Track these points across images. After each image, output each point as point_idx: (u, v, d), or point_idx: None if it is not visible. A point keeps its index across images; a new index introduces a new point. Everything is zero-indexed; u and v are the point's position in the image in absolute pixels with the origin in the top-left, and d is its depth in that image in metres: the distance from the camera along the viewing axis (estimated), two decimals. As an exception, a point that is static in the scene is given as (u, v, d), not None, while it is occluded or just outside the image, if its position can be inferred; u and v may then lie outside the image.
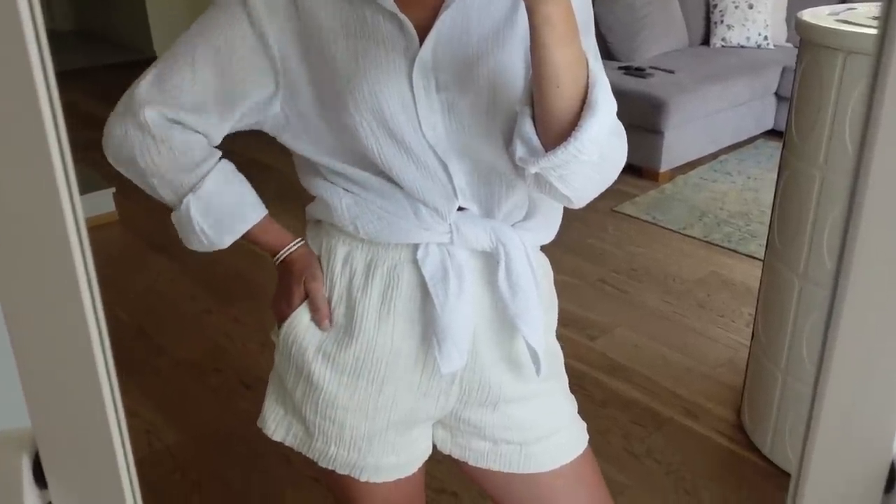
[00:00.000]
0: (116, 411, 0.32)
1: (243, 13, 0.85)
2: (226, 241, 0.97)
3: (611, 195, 3.54)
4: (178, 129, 0.89)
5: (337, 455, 0.99)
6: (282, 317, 0.99)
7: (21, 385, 0.36)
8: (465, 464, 1.05)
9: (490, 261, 0.93)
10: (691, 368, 2.34)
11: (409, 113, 0.86)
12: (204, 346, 2.50)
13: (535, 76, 0.78)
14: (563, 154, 0.77)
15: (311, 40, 0.86)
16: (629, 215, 3.37)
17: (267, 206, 1.01)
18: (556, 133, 0.78)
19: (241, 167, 1.00)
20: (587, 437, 1.08)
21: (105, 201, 3.38)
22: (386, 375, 0.95)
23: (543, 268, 1.04)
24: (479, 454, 1.03)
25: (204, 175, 0.92)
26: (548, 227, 0.99)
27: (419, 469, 1.05)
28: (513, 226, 0.94)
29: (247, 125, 0.93)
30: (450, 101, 0.86)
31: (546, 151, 0.79)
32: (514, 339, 0.98)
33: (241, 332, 2.57)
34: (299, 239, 1.01)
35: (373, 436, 0.98)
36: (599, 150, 0.79)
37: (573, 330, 2.46)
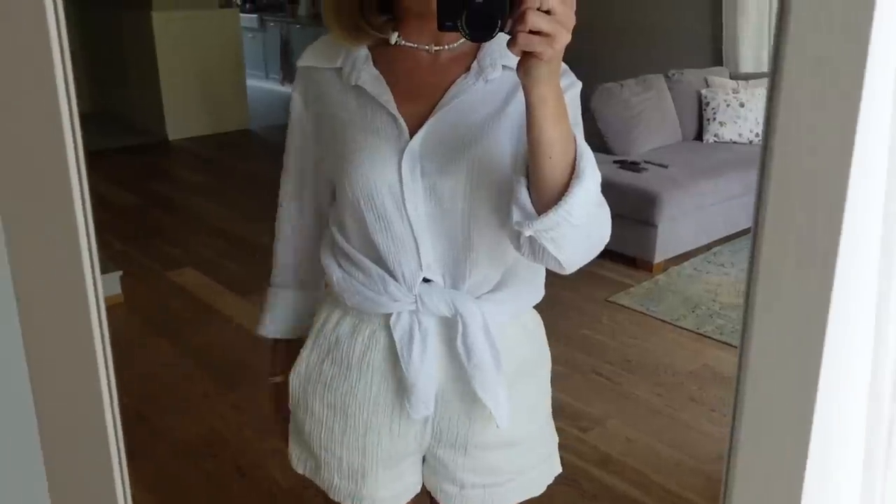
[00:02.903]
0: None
1: (294, 124, 1.12)
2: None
3: (605, 285, 3.61)
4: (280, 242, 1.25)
5: (340, 486, 1.15)
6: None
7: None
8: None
9: (453, 325, 1.05)
10: (682, 463, 2.35)
11: (395, 195, 1.00)
12: (201, 430, 2.53)
13: (530, 150, 0.89)
14: (554, 216, 0.88)
15: (326, 125, 1.05)
16: (623, 306, 3.44)
17: (266, 288, 1.26)
18: (548, 199, 0.90)
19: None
20: (552, 478, 1.23)
21: (112, 284, 3.46)
22: (369, 419, 1.11)
23: (529, 329, 1.15)
24: (448, 496, 1.16)
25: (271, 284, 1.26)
26: (519, 300, 1.11)
27: (412, 501, 1.19)
28: (479, 297, 1.06)
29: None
30: (432, 186, 1.00)
31: (539, 216, 0.90)
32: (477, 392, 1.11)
33: (239, 419, 2.60)
34: (277, 376, 1.27)
35: (366, 470, 1.13)
36: (586, 215, 0.90)
37: (566, 421, 2.48)
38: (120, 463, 0.42)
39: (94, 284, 0.39)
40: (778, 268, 0.41)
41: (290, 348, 1.25)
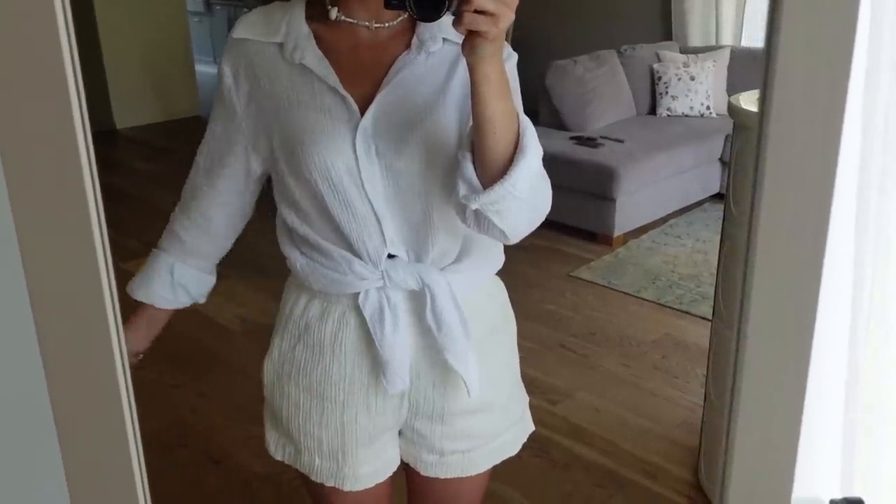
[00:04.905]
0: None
1: (221, 94, 1.06)
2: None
3: (567, 261, 3.66)
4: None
5: (321, 467, 1.16)
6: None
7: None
8: (417, 474, 1.21)
9: (421, 298, 1.07)
10: (649, 430, 2.42)
11: (353, 174, 1.01)
12: (170, 420, 2.51)
13: (475, 126, 0.92)
14: (499, 190, 0.91)
15: (270, 105, 1.03)
16: (586, 280, 3.49)
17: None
18: (493, 174, 0.93)
19: None
20: (525, 438, 1.26)
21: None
22: (346, 399, 1.11)
23: (493, 295, 1.18)
24: (428, 465, 1.19)
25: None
26: (481, 268, 1.14)
27: (389, 477, 1.21)
28: (443, 269, 1.08)
29: (253, 189, 1.16)
30: (388, 164, 1.01)
31: (485, 190, 0.93)
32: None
33: (208, 407, 2.58)
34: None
35: (346, 449, 1.14)
36: (530, 188, 0.93)
37: (535, 395, 2.52)
38: (138, 454, 0.43)
39: (108, 277, 0.39)
40: (773, 239, 0.43)
41: (151, 321, 1.20)
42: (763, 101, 0.41)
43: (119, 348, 0.45)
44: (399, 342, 1.07)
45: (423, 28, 1.02)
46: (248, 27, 1.04)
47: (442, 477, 1.19)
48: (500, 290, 1.20)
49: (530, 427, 1.27)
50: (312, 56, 1.01)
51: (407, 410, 1.15)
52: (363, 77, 1.01)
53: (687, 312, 3.17)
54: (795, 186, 0.44)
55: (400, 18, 1.02)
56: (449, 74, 1.02)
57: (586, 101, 4.28)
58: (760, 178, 0.42)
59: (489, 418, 1.18)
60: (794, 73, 0.43)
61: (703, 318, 3.08)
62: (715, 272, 3.48)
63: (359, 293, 1.07)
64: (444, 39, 1.02)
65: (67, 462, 0.44)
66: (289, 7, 1.03)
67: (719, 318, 1.97)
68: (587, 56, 4.40)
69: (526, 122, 0.95)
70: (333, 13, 1.02)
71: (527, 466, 2.15)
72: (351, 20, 1.02)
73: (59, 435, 0.44)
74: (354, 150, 1.00)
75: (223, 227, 1.18)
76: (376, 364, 1.09)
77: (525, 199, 0.93)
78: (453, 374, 1.11)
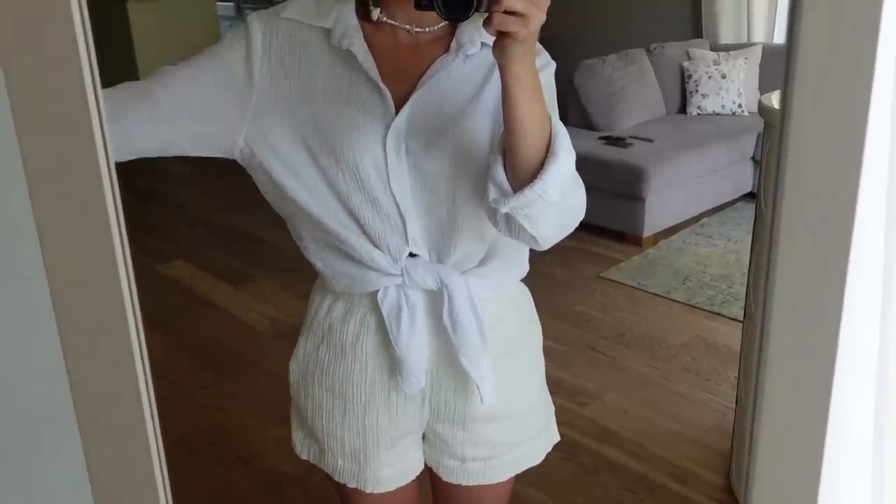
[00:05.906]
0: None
1: (243, 48, 1.00)
2: None
3: (596, 261, 3.64)
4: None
5: (344, 468, 1.17)
6: None
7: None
8: (440, 479, 1.21)
9: (439, 299, 1.07)
10: (679, 433, 2.39)
11: (380, 171, 1.00)
12: (201, 421, 2.54)
13: (506, 128, 0.91)
14: (529, 194, 0.90)
15: (300, 92, 1.00)
16: (615, 281, 3.46)
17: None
18: (523, 177, 0.92)
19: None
20: (550, 447, 1.25)
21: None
22: (367, 401, 1.12)
23: (517, 302, 1.17)
24: (450, 470, 1.19)
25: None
26: (502, 274, 1.13)
27: (415, 481, 1.21)
28: (464, 272, 1.08)
29: (204, 150, 1.05)
30: (417, 164, 1.00)
31: (515, 193, 0.92)
32: None
33: (237, 407, 2.61)
34: None
35: (367, 451, 1.15)
36: (560, 192, 0.92)
37: (563, 397, 2.51)
38: (159, 452, 0.43)
39: (128, 277, 0.40)
40: (795, 237, 0.42)
41: None
42: (785, 96, 0.40)
43: (139, 348, 0.45)
44: (415, 341, 1.07)
45: (462, 31, 1.01)
46: (299, 9, 1.02)
47: (464, 484, 1.19)
48: (525, 297, 1.19)
49: (555, 437, 1.26)
50: (359, 46, 1.00)
51: (428, 413, 1.15)
52: (400, 77, 1.01)
53: (718, 314, 3.13)
54: (819, 185, 0.43)
55: (441, 24, 1.02)
56: (486, 79, 1.02)
57: (615, 101, 4.24)
58: (782, 175, 0.41)
59: (512, 426, 1.18)
60: (816, 67, 0.42)
61: (735, 320, 3.04)
62: (746, 273, 3.43)
63: (378, 292, 1.07)
64: (483, 44, 1.01)
65: (91, 461, 0.45)
66: None
67: (751, 319, 1.94)
68: (616, 55, 4.36)
69: (559, 127, 0.93)
70: (375, 13, 1.01)
71: (555, 470, 2.13)
72: (392, 22, 1.02)
73: (82, 435, 0.44)
74: (384, 148, 0.99)
75: (134, 137, 1.05)
76: (394, 367, 1.10)
77: (556, 203, 0.92)
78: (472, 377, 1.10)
